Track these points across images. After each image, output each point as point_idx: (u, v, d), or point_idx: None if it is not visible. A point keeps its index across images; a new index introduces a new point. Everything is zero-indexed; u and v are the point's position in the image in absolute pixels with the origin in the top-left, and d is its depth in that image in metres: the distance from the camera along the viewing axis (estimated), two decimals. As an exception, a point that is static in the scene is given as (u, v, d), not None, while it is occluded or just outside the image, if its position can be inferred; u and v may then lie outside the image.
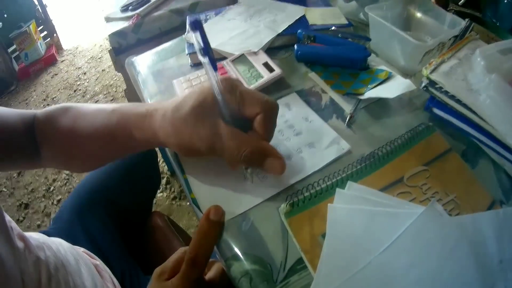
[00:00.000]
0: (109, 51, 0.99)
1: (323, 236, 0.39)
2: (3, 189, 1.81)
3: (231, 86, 0.41)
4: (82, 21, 3.05)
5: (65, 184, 1.73)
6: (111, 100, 2.18)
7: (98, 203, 0.70)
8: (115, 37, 0.90)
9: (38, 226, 1.58)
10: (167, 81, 0.63)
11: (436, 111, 0.49)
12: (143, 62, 0.71)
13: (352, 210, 0.41)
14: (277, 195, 0.43)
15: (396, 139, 0.46)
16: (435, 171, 0.45)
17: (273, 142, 0.43)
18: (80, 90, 2.33)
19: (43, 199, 1.69)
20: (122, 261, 0.65)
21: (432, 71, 0.49)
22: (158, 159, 1.44)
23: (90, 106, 0.49)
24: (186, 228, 1.37)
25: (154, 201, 1.51)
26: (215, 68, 0.40)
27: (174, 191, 1.56)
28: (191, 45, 0.65)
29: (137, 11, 0.92)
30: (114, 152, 0.49)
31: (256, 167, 0.42)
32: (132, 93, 1.13)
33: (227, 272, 0.41)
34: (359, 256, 0.38)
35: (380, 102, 0.51)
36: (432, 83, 0.49)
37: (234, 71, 0.59)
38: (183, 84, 0.59)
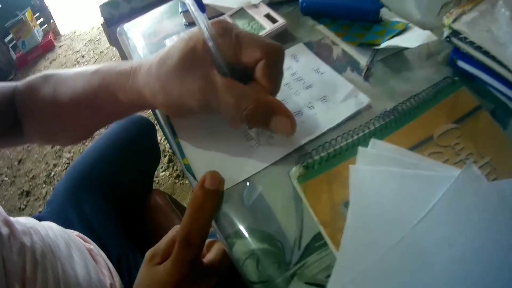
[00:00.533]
0: (102, 24, 0.88)
1: (346, 205, 0.32)
2: (5, 178, 1.81)
3: (224, 29, 0.33)
4: (78, 5, 3.00)
5: (66, 168, 1.69)
6: None
7: (92, 183, 0.66)
8: (107, 7, 0.81)
9: (40, 212, 1.50)
10: (160, 43, 0.55)
11: (461, 64, 0.42)
12: (135, 28, 0.62)
13: (379, 172, 0.33)
14: (287, 157, 0.35)
15: (421, 92, 0.39)
16: (467, 130, 0.38)
17: (279, 97, 0.35)
18: None
19: (44, 185, 1.67)
20: (118, 244, 0.61)
21: (454, 20, 0.43)
22: (159, 137, 1.34)
23: (71, 70, 0.41)
24: None
25: (156, 180, 1.49)
26: (202, 10, 0.32)
27: (176, 169, 1.51)
28: (183, 4, 0.57)
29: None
30: (100, 118, 0.42)
31: (260, 127, 0.34)
32: None
33: (228, 253, 0.32)
34: (391, 229, 0.31)
35: (398, 55, 0.44)
36: (455, 33, 0.42)
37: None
38: None
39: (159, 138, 1.59)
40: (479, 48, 0.40)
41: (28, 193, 1.66)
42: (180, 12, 0.56)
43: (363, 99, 0.39)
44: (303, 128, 0.37)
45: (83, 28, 2.74)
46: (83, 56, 2.43)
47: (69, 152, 1.76)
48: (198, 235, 0.31)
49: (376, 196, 0.32)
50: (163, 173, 1.51)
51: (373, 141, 0.35)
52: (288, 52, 0.46)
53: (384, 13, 0.49)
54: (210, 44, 0.31)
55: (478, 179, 0.35)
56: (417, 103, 0.38)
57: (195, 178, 0.35)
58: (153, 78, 0.34)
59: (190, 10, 0.33)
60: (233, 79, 0.32)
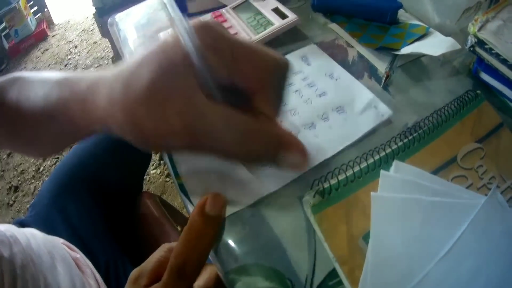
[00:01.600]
0: (93, 14, 0.77)
1: (365, 238, 0.28)
2: (-7, 172, 1.72)
3: (213, 37, 0.24)
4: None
5: (55, 163, 1.60)
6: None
7: (79, 184, 0.61)
8: None
9: (24, 217, 1.44)
10: (154, 35, 0.48)
11: (485, 76, 0.39)
12: (127, 18, 0.54)
13: (404, 200, 0.30)
14: (298, 179, 0.31)
15: (444, 107, 0.35)
16: (490, 150, 0.35)
17: (290, 106, 0.30)
18: (70, 64, 2.21)
19: (32, 181, 1.58)
20: (106, 251, 0.56)
21: (480, 28, 0.39)
22: None
23: (40, 74, 0.33)
24: (180, 208, 1.26)
25: (147, 178, 1.41)
26: (183, 9, 0.24)
27: (167, 168, 1.41)
28: None
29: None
30: (58, 138, 0.33)
31: (266, 164, 0.27)
32: (120, 60, 0.95)
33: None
34: (415, 264, 0.28)
35: (417, 62, 0.40)
36: (480, 42, 0.39)
37: (236, 20, 0.45)
38: None
39: None
40: (505, 61, 0.37)
41: (16, 188, 1.58)
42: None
43: (384, 111, 0.35)
44: (316, 144, 0.32)
45: (77, 17, 2.59)
46: (76, 47, 2.32)
47: None
48: (193, 267, 0.26)
49: (399, 227, 0.29)
50: (154, 170, 1.44)
51: (396, 164, 0.31)
52: (298, 53, 0.41)
53: (401, 14, 0.44)
54: (195, 59, 0.23)
55: (503, 207, 0.32)
56: (441, 119, 0.34)
57: (189, 200, 0.30)
58: (116, 109, 0.25)
59: (165, 9, 0.25)
60: (227, 106, 0.24)
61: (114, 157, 0.65)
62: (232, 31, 0.41)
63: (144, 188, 0.71)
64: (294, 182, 0.30)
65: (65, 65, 2.19)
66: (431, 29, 0.42)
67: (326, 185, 0.29)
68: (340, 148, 0.32)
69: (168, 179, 1.40)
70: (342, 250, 0.27)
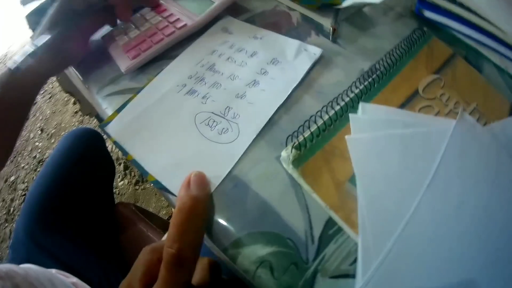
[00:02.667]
0: (30, 37, 0.72)
1: (351, 180, 0.28)
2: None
3: None
4: (6, 24, 2.65)
5: (23, 200, 1.51)
6: (50, 98, 1.90)
7: (51, 215, 0.59)
8: (33, 17, 0.64)
9: (6, 261, 1.32)
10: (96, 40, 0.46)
11: (428, 14, 0.40)
12: None
13: (378, 137, 0.30)
14: (270, 140, 0.30)
15: (395, 48, 0.36)
16: (448, 79, 0.36)
17: (227, 72, 0.32)
18: None
19: (6, 224, 1.49)
20: (96, 271, 0.55)
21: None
22: (110, 146, 1.26)
23: None
24: (156, 211, 1.26)
25: (117, 191, 1.36)
26: None
27: (135, 176, 1.39)
28: None
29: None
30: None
31: None
32: (65, 78, 0.93)
33: (230, 267, 0.27)
34: (405, 195, 0.28)
35: (360, 13, 0.40)
36: (419, -17, 0.40)
37: (175, 6, 0.44)
38: (114, 35, 0.43)
39: (109, 146, 1.48)
40: (444, -4, 0.39)
41: None
42: None
43: (315, 51, 0.36)
44: (268, 96, 0.33)
45: (14, 48, 2.46)
46: None
47: (23, 182, 1.58)
48: (191, 250, 0.24)
49: (381, 164, 0.29)
50: (122, 182, 1.39)
51: (362, 105, 0.31)
52: (217, 26, 0.42)
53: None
54: None
55: (473, 126, 0.33)
56: (394, 59, 0.35)
57: (169, 192, 0.29)
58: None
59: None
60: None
61: (78, 179, 0.63)
62: (172, 19, 0.41)
63: (116, 201, 0.69)
64: (267, 143, 0.30)
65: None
66: (367, -21, 0.43)
67: (300, 138, 0.28)
68: (290, 90, 0.33)
69: (137, 187, 1.36)
70: (332, 198, 0.27)
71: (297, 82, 0.34)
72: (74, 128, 1.65)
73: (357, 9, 0.40)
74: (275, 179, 0.28)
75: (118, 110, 0.35)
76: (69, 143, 0.66)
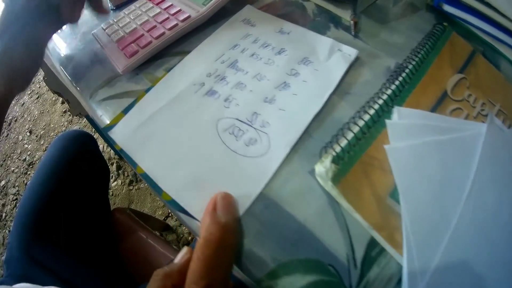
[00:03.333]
0: None
1: (392, 195, 0.25)
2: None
3: None
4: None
5: (15, 205, 1.47)
6: (37, 98, 1.82)
7: (43, 227, 0.55)
8: None
9: (2, 278, 1.21)
10: (85, 37, 0.40)
11: (448, 8, 0.38)
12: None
13: (417, 146, 0.27)
14: (300, 151, 0.26)
15: (419, 44, 0.33)
16: (472, 79, 0.34)
17: (253, 71, 0.28)
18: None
19: None
20: (97, 284, 0.53)
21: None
22: (101, 146, 1.26)
23: None
24: (152, 212, 1.20)
25: (110, 192, 1.31)
26: None
27: (128, 175, 1.33)
28: None
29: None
30: None
31: None
32: (53, 79, 0.86)
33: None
34: (448, 207, 0.26)
35: (377, 6, 0.37)
36: (439, -24, 0.38)
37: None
38: (106, 31, 0.37)
39: (101, 146, 1.40)
40: (465, -10, 0.36)
41: None
42: None
43: (350, 51, 0.32)
44: (302, 102, 0.29)
45: None
46: None
47: (14, 186, 1.50)
48: (220, 286, 0.21)
49: (422, 174, 0.26)
50: (115, 182, 1.32)
51: (398, 110, 0.28)
52: (237, 17, 0.37)
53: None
54: None
55: (502, 130, 0.31)
56: (422, 56, 0.33)
57: (189, 215, 0.24)
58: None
59: None
60: None
61: (71, 185, 0.58)
62: (173, 10, 0.36)
63: (110, 202, 0.64)
64: (297, 155, 0.26)
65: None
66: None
67: (337, 149, 0.25)
68: (326, 98, 0.29)
69: (131, 187, 1.30)
70: (374, 216, 0.24)
71: (333, 88, 0.29)
72: (63, 128, 1.56)
73: (372, 1, 0.37)
74: (310, 197, 0.25)
75: (125, 111, 0.29)
76: (60, 148, 0.61)
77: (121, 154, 0.28)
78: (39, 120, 1.66)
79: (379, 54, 0.33)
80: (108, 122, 0.30)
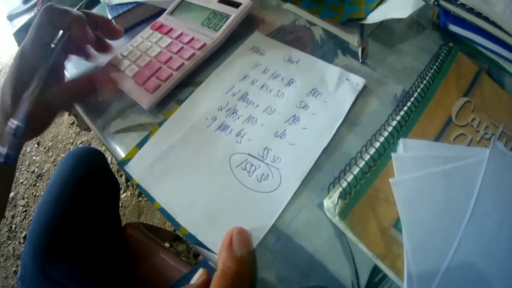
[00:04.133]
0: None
1: (396, 226, 0.27)
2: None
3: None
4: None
5: (25, 217, 1.52)
6: None
7: (57, 245, 0.55)
8: (21, 34, 0.60)
9: (15, 272, 1.38)
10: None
11: (453, 27, 0.38)
12: None
13: (422, 177, 0.29)
14: (310, 184, 0.28)
15: (425, 69, 0.34)
16: (477, 101, 0.35)
17: (263, 104, 0.31)
18: None
19: (9, 242, 1.48)
20: None
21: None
22: (109, 158, 1.25)
23: None
24: (162, 223, 1.21)
25: (120, 204, 1.32)
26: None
27: (137, 187, 1.30)
28: (113, 7, 0.44)
29: (40, -7, 0.63)
30: None
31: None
32: None
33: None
34: (448, 234, 0.27)
35: (384, 27, 0.38)
36: (444, -5, 0.38)
37: (182, 25, 0.39)
38: (118, 66, 0.37)
39: (109, 158, 1.41)
40: (471, 10, 0.37)
41: None
42: (112, 19, 0.43)
43: (358, 81, 0.33)
44: (311, 136, 0.30)
45: (4, 59, 2.34)
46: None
47: (23, 198, 1.53)
48: None
49: (425, 204, 0.28)
50: (124, 194, 1.34)
51: (403, 142, 0.30)
52: (246, 46, 0.38)
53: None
54: None
55: (505, 153, 0.33)
56: (427, 83, 0.34)
57: (207, 248, 0.27)
58: None
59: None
60: None
61: (83, 203, 0.59)
62: (186, 39, 0.36)
63: (120, 214, 0.66)
64: (306, 189, 0.28)
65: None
66: (390, -12, 0.40)
67: (344, 184, 0.27)
68: (334, 131, 0.30)
69: (140, 198, 1.32)
70: (378, 246, 0.26)
71: (341, 120, 0.31)
72: (71, 140, 1.58)
73: (379, 23, 0.38)
74: (319, 229, 0.27)
75: (139, 146, 0.31)
76: (69, 167, 0.62)
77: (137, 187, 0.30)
78: (47, 132, 1.67)
79: (386, 81, 0.34)
80: (122, 155, 0.32)
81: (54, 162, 1.54)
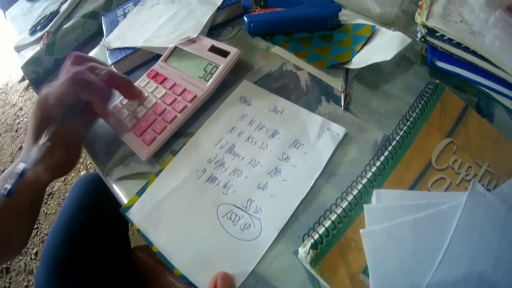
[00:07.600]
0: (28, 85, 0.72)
1: (365, 272, 0.29)
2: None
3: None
4: (6, 54, 2.62)
5: (36, 233, 1.58)
6: None
7: (68, 268, 0.58)
8: (29, 67, 0.66)
9: (26, 287, 1.44)
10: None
11: (440, 64, 0.39)
12: None
13: (392, 227, 0.31)
14: (287, 233, 0.32)
15: (408, 111, 0.36)
16: (461, 140, 0.36)
17: (248, 156, 0.34)
18: (21, 128, 2.10)
19: (20, 257, 1.54)
20: None
21: (427, 16, 0.39)
22: None
23: None
24: None
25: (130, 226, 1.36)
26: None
27: None
28: (113, 52, 0.48)
29: (46, 28, 0.69)
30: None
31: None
32: None
33: None
34: (416, 278, 0.30)
35: (370, 67, 0.39)
36: (431, 31, 0.38)
37: (175, 73, 0.42)
38: (118, 115, 0.42)
39: None
40: (459, 45, 0.37)
41: (7, 270, 1.53)
42: (111, 65, 0.47)
43: (338, 130, 0.36)
44: (290, 188, 0.33)
45: (15, 78, 2.45)
46: (21, 109, 2.20)
47: None
48: None
49: (393, 252, 0.30)
50: None
51: (376, 193, 0.32)
52: (235, 96, 0.40)
53: (341, 13, 0.43)
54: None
55: (484, 195, 0.34)
56: (409, 125, 0.35)
57: (194, 285, 0.31)
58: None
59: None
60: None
61: (94, 227, 0.63)
62: (178, 90, 0.40)
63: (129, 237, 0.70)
64: (284, 237, 0.31)
65: (16, 131, 2.10)
66: (376, 27, 0.41)
67: (315, 236, 0.30)
68: (311, 183, 0.33)
69: None
70: (347, 291, 0.29)
71: (319, 173, 0.33)
72: (80, 160, 1.62)
73: (364, 66, 0.39)
74: (294, 273, 0.30)
75: (139, 194, 0.36)
76: (80, 193, 0.66)
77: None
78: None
79: (368, 127, 0.36)
80: (125, 201, 0.36)
81: (64, 180, 1.61)
